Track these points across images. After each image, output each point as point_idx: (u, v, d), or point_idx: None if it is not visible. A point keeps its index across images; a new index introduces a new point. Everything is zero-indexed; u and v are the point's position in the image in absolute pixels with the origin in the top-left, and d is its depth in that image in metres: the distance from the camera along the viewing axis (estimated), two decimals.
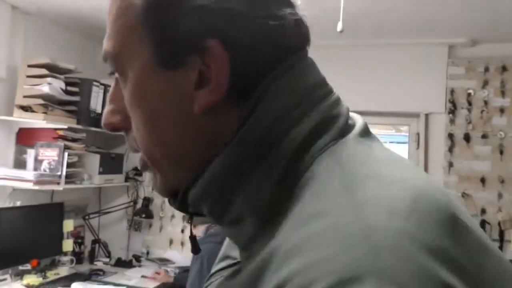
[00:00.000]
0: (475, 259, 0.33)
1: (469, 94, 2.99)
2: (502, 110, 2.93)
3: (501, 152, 2.88)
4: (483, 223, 2.86)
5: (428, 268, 0.30)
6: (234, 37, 0.39)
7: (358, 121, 0.44)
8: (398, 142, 3.88)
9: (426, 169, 3.05)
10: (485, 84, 2.97)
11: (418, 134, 3.15)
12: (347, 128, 0.41)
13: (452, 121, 3.02)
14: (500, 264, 0.35)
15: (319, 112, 0.40)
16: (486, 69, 2.97)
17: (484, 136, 2.93)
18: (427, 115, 3.10)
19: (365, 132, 0.42)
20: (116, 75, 0.45)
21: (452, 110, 3.02)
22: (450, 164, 2.98)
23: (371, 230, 0.31)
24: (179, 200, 0.44)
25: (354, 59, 3.23)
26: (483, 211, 2.90)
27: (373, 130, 0.44)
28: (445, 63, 3.04)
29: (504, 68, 2.94)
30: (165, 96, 0.41)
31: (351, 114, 0.45)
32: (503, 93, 2.95)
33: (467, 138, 2.96)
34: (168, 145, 0.42)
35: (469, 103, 2.98)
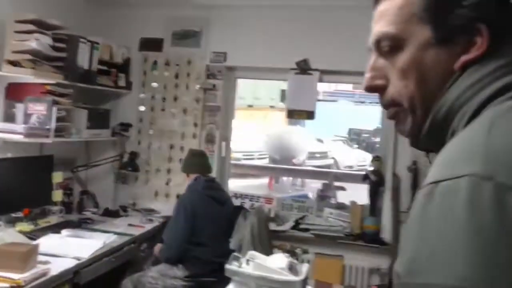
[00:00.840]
0: None
1: None
2: None
3: None
4: None
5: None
6: (493, 22, 0.59)
7: None
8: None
9: None
10: None
11: None
12: None
13: None
14: None
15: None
16: None
17: None
18: None
19: None
20: (384, 50, 0.65)
21: None
22: None
23: (486, 145, 0.49)
24: (419, 136, 0.65)
25: (331, 20, 3.34)
26: None
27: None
28: None
29: None
30: (435, 62, 0.62)
31: None
32: None
33: None
34: (429, 93, 0.62)
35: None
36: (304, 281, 1.70)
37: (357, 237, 3.32)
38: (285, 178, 9.07)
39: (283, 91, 10.63)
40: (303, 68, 3.41)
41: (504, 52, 0.59)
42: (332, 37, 3.33)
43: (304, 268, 1.74)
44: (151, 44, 3.74)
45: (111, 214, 3.49)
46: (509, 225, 0.45)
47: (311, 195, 4.11)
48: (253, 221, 2.69)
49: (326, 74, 3.43)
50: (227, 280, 2.51)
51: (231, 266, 1.67)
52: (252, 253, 1.73)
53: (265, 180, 8.70)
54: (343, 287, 3.20)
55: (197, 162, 3.19)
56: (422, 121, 0.64)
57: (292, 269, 1.70)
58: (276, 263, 1.70)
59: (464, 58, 0.60)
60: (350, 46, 3.28)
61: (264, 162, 9.56)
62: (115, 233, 3.02)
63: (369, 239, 3.27)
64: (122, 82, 3.64)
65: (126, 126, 3.72)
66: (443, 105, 0.61)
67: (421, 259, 0.49)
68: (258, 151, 9.74)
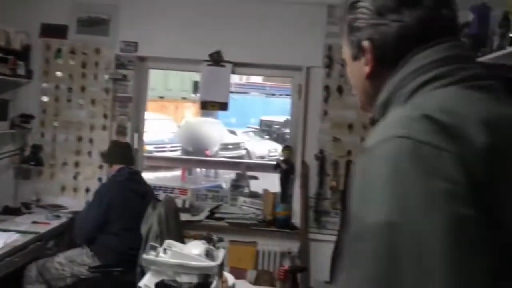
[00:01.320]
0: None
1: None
2: None
3: None
4: (348, 163, 3.35)
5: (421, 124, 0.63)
6: (374, 38, 0.76)
7: (468, 75, 0.72)
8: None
9: (305, 116, 3.43)
10: None
11: (300, 85, 3.49)
12: (455, 80, 0.70)
13: (328, 75, 3.40)
14: None
15: (432, 73, 0.72)
16: None
17: None
18: (308, 69, 3.43)
19: (461, 81, 0.71)
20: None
21: (329, 64, 3.39)
22: (325, 113, 3.39)
23: (404, 118, 0.66)
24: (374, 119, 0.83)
25: (245, 13, 3.42)
26: (349, 153, 3.38)
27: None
28: (324, 21, 3.37)
29: None
30: (356, 73, 0.81)
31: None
32: None
33: (340, 90, 3.37)
34: (363, 94, 0.83)
35: (343, 59, 3.36)
36: (221, 266, 1.75)
37: (269, 223, 3.45)
38: (198, 170, 9.06)
39: (195, 83, 10.56)
40: (216, 60, 3.45)
41: (414, 60, 0.74)
42: (244, 30, 3.40)
43: (221, 253, 1.80)
44: (54, 31, 3.53)
45: (11, 212, 3.26)
46: (425, 167, 0.59)
47: (225, 185, 4.18)
48: (160, 211, 2.69)
49: (239, 66, 3.49)
50: (135, 270, 2.48)
51: (148, 256, 1.67)
52: (169, 242, 1.74)
53: (177, 173, 8.61)
54: (256, 271, 3.32)
55: (122, 153, 3.17)
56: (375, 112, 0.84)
57: (209, 255, 1.74)
58: (193, 250, 1.73)
59: (365, 71, 0.79)
60: (262, 39, 3.39)
61: (177, 154, 9.45)
62: (18, 231, 2.84)
63: (280, 224, 3.41)
64: (21, 71, 3.39)
65: (27, 118, 3.48)
66: (380, 99, 0.80)
67: (361, 208, 0.61)
68: (170, 143, 9.60)
